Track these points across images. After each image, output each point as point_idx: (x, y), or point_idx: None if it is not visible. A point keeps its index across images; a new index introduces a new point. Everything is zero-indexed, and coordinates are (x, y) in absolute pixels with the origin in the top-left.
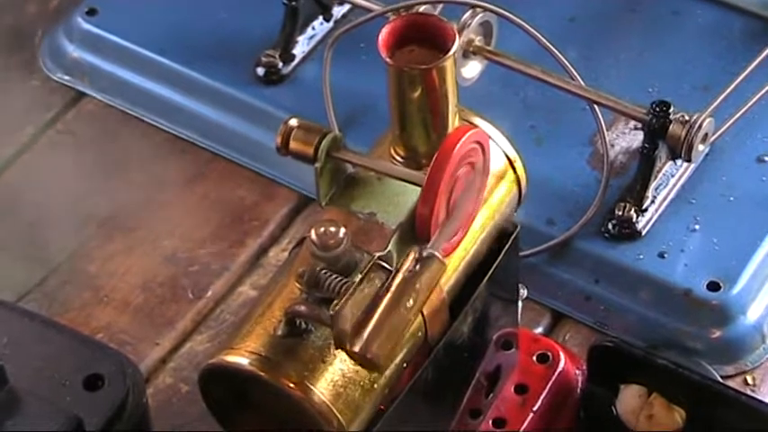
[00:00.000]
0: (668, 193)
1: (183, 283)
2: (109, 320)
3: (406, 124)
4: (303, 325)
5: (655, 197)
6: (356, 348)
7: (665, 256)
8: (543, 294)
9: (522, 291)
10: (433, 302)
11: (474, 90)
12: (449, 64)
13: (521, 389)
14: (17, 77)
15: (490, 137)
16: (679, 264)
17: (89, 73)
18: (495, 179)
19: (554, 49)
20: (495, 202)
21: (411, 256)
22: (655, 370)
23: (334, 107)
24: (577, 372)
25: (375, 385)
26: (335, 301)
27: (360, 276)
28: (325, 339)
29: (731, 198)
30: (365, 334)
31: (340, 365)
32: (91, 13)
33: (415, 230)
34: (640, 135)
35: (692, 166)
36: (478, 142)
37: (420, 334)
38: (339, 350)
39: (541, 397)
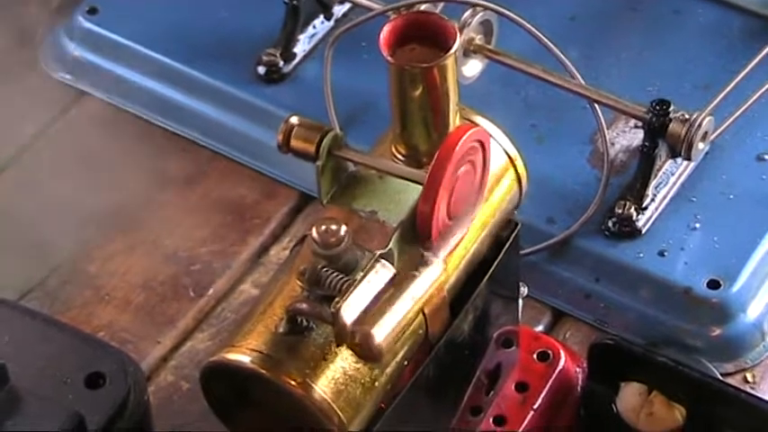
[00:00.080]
0: (668, 192)
1: (185, 282)
2: (110, 319)
3: (407, 123)
4: (304, 322)
5: (655, 195)
6: (357, 340)
7: (666, 254)
8: (544, 292)
9: (522, 289)
10: (433, 300)
11: (475, 89)
12: (450, 62)
13: (521, 387)
14: (18, 76)
15: (491, 135)
16: (679, 262)
17: (90, 72)
18: (496, 177)
19: (554, 48)
20: (495, 201)
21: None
22: (655, 368)
23: (335, 105)
24: (578, 370)
25: (376, 383)
26: (337, 299)
27: (361, 274)
28: (327, 337)
29: (731, 196)
30: (366, 327)
31: (341, 363)
32: (92, 12)
33: (416, 228)
34: (640, 134)
35: (692, 164)
36: (479, 141)
37: (421, 332)
38: (340, 348)
39: (542, 395)
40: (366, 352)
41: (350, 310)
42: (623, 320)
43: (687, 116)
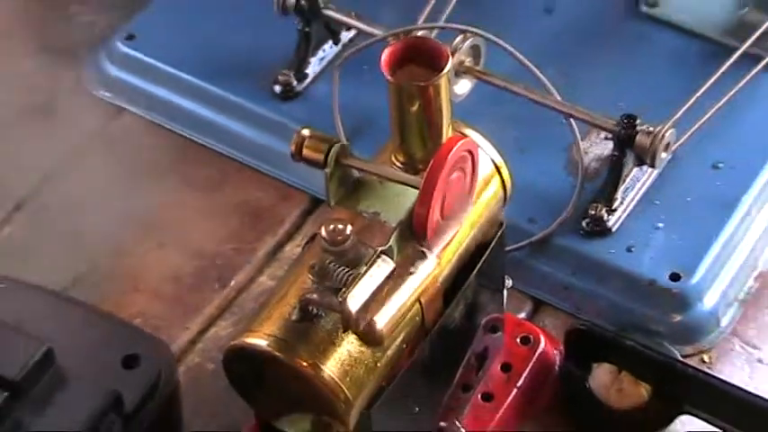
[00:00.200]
0: (635, 195)
1: (210, 275)
2: (144, 307)
3: (405, 134)
4: (315, 311)
5: (623, 199)
6: (361, 327)
7: (633, 250)
8: (526, 284)
9: (507, 281)
10: (429, 291)
11: (465, 105)
12: (443, 81)
13: (506, 367)
14: (65, 94)
15: (479, 146)
16: (645, 257)
17: (127, 90)
18: (484, 182)
19: (534, 69)
20: (483, 203)
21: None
22: (624, 350)
23: (341, 120)
24: (556, 352)
25: (378, 364)
26: (343, 290)
27: (364, 268)
28: (335, 324)
29: (689, 199)
30: (369, 315)
31: (347, 347)
32: (129, 38)
33: (414, 228)
34: (611, 144)
35: (656, 171)
36: (469, 150)
37: (418, 319)
38: (346, 333)
39: (524, 374)
40: (369, 337)
41: (355, 300)
42: (596, 309)
43: (652, 129)
